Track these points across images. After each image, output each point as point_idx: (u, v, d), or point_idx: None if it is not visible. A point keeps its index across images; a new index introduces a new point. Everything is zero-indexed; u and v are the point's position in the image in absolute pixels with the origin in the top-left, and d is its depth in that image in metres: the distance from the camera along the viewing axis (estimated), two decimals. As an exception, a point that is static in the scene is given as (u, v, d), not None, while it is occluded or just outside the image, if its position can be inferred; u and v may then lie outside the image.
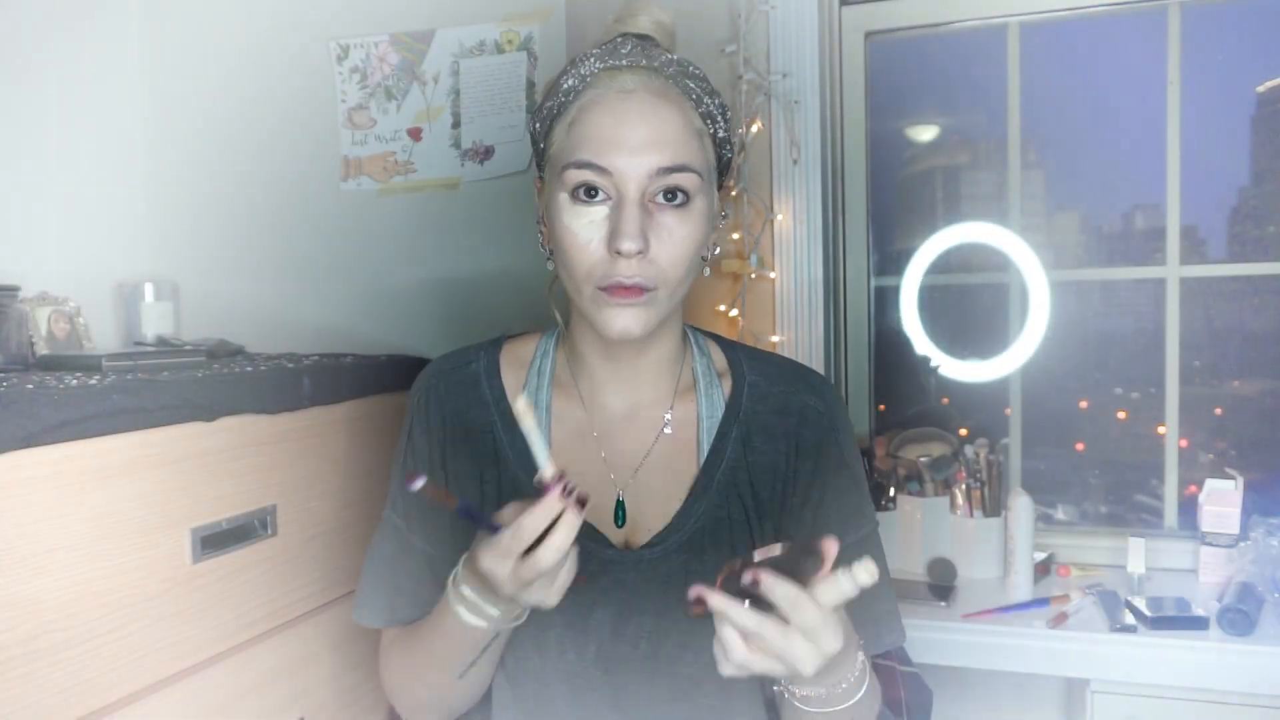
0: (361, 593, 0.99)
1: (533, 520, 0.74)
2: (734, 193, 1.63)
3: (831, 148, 1.84)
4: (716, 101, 0.90)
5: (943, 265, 1.98)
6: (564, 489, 0.75)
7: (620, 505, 0.94)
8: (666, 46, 0.94)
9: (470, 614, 0.82)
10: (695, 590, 0.70)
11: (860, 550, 0.94)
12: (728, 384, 0.98)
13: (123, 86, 1.61)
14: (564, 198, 0.85)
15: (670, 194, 0.84)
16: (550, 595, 0.78)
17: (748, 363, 1.00)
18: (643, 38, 0.92)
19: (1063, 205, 2.00)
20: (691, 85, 0.88)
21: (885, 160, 2.00)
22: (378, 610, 0.98)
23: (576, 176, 0.84)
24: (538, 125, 0.92)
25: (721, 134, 0.91)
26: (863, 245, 1.94)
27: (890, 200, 2.04)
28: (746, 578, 0.70)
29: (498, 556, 0.75)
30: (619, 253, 0.82)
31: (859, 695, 0.81)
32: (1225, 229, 1.90)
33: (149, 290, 1.51)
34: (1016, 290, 1.93)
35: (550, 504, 0.74)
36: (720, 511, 0.93)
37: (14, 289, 1.25)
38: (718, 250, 0.95)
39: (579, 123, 0.86)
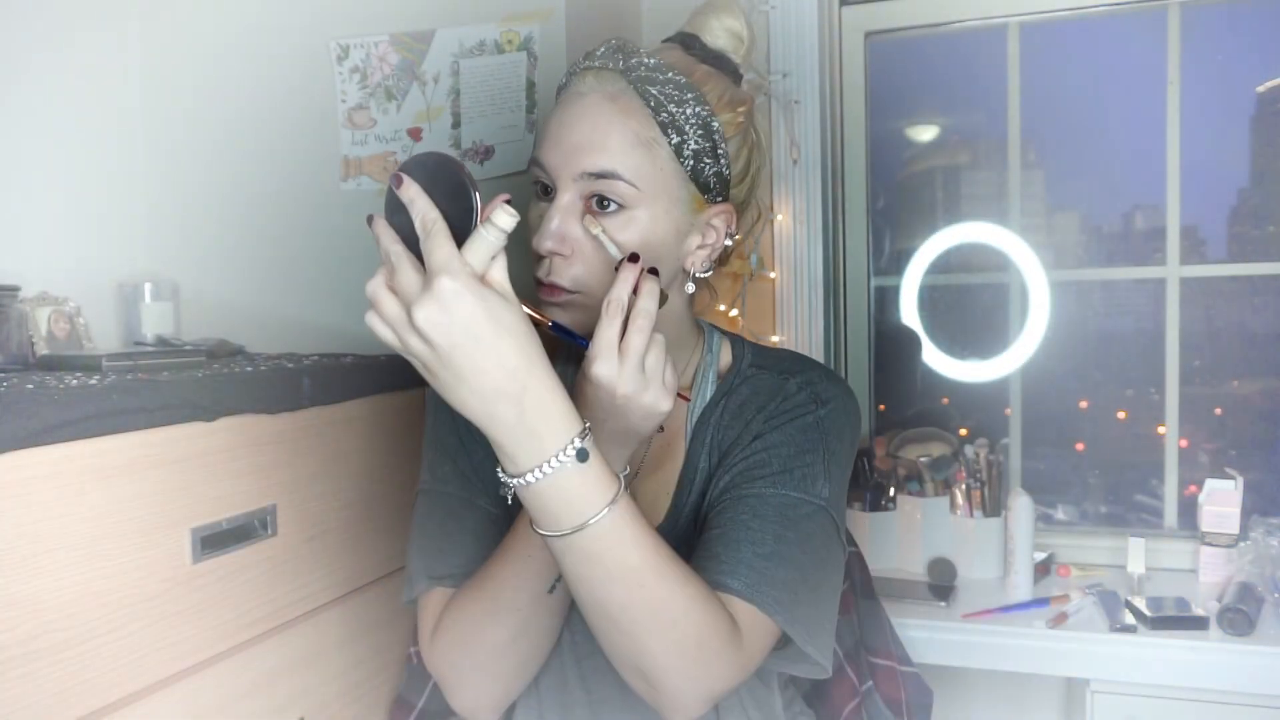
0: (411, 568, 0.95)
1: (619, 290, 0.76)
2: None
3: (831, 148, 1.84)
4: (691, 111, 0.85)
5: (943, 265, 1.98)
6: (630, 258, 0.78)
7: None
8: (725, 49, 0.92)
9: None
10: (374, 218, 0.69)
11: (787, 509, 0.84)
12: (723, 378, 0.98)
13: (122, 86, 1.61)
14: (534, 189, 0.89)
15: (602, 200, 0.84)
16: (664, 395, 0.77)
17: (751, 356, 0.99)
18: (690, 38, 0.92)
19: (1063, 205, 2.00)
20: (654, 91, 0.84)
21: (885, 160, 2.00)
22: (436, 572, 0.93)
23: (532, 173, 0.88)
24: None
25: (694, 146, 0.86)
26: (863, 245, 1.94)
27: (890, 200, 2.04)
28: (393, 180, 0.67)
29: (603, 356, 0.75)
30: (536, 251, 0.85)
31: (598, 516, 0.70)
32: (1225, 229, 1.90)
33: (149, 290, 1.51)
34: (1016, 290, 1.93)
35: (629, 271, 0.77)
36: (703, 500, 0.93)
37: (14, 289, 1.25)
38: (709, 271, 0.92)
39: (548, 119, 0.89)
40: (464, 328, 0.64)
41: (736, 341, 1.01)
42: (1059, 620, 1.52)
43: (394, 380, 1.36)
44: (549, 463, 0.68)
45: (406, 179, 0.67)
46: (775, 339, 1.74)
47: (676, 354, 0.96)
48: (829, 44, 1.81)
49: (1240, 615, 1.44)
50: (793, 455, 0.88)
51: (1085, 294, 1.96)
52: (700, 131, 0.86)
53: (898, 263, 2.00)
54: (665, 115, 0.85)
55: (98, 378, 0.99)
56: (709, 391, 0.96)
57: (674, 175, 0.86)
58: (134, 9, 1.62)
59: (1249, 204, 1.88)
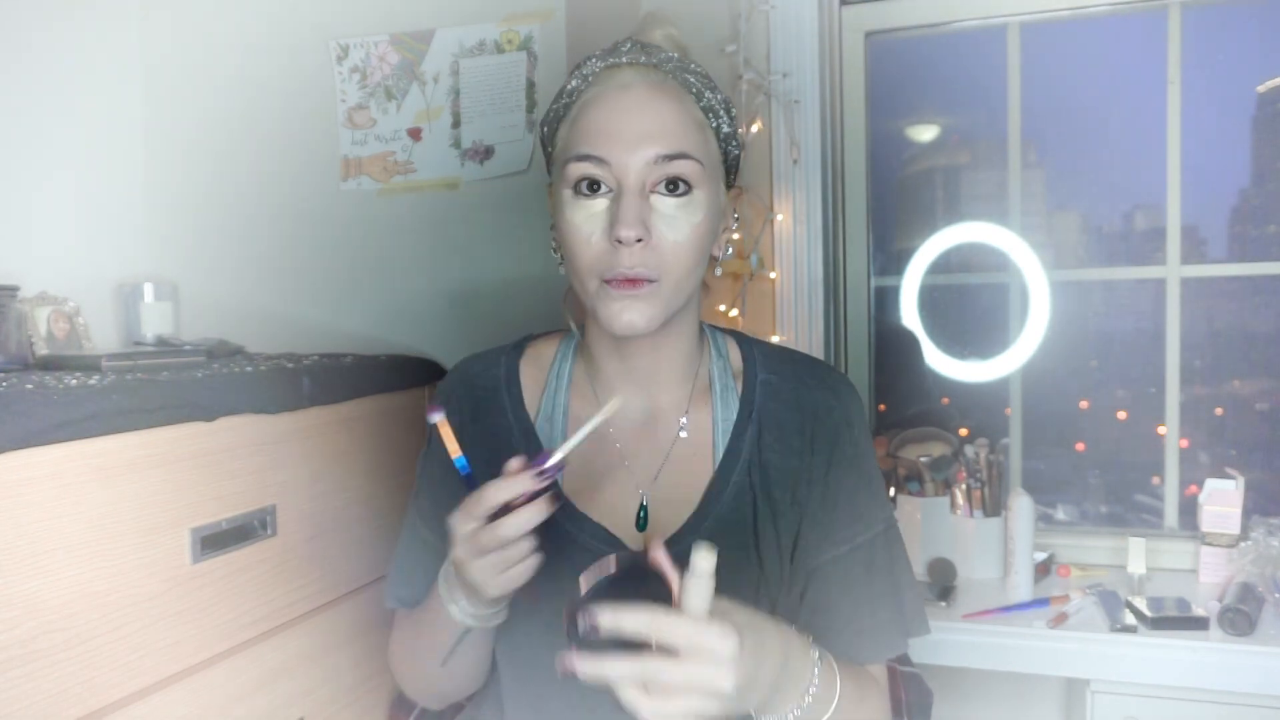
0: (388, 579, 1.02)
1: (497, 490, 0.76)
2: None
3: (831, 148, 1.84)
4: (719, 97, 0.90)
5: (943, 265, 1.98)
6: (540, 472, 0.76)
7: (643, 509, 0.94)
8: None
9: (448, 602, 0.85)
10: (562, 663, 0.68)
11: (868, 551, 0.93)
12: (742, 384, 0.97)
13: (122, 86, 1.61)
14: (567, 193, 0.86)
15: (671, 183, 0.84)
16: (496, 580, 0.79)
17: (762, 360, 0.99)
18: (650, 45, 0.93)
19: (1063, 205, 2.00)
20: (691, 80, 0.89)
21: (885, 160, 2.00)
22: (395, 593, 1.01)
23: (577, 170, 0.85)
24: (545, 129, 0.93)
25: (726, 129, 0.91)
26: (863, 245, 1.94)
27: (890, 200, 2.04)
28: (582, 624, 0.66)
29: (463, 514, 0.78)
30: (619, 241, 0.82)
31: (834, 703, 0.81)
32: (1225, 229, 1.90)
33: (149, 290, 1.51)
34: (1016, 290, 1.93)
35: (520, 480, 0.76)
36: (735, 514, 0.92)
37: (14, 289, 1.25)
38: (730, 251, 0.95)
39: (579, 119, 0.87)
40: (752, 655, 0.70)
41: (742, 341, 1.01)
42: (1059, 620, 1.52)
43: (394, 380, 1.36)
44: (806, 684, 0.78)
45: (601, 618, 0.67)
46: (775, 339, 1.74)
47: (691, 359, 0.97)
48: (829, 44, 1.81)
49: (1240, 615, 1.44)
50: (857, 494, 0.94)
51: (1085, 294, 1.96)
52: (727, 116, 0.91)
53: (898, 263, 2.00)
54: (705, 101, 0.89)
55: (98, 378, 0.99)
56: (733, 400, 0.96)
57: (718, 157, 0.91)
58: (133, 9, 1.62)
59: (1249, 204, 1.88)
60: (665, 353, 0.94)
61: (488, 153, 1.50)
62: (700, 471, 0.95)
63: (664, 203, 0.84)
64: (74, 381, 0.95)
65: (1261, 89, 1.84)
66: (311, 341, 1.56)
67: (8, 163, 1.43)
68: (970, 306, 2.01)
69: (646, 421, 0.96)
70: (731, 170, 0.94)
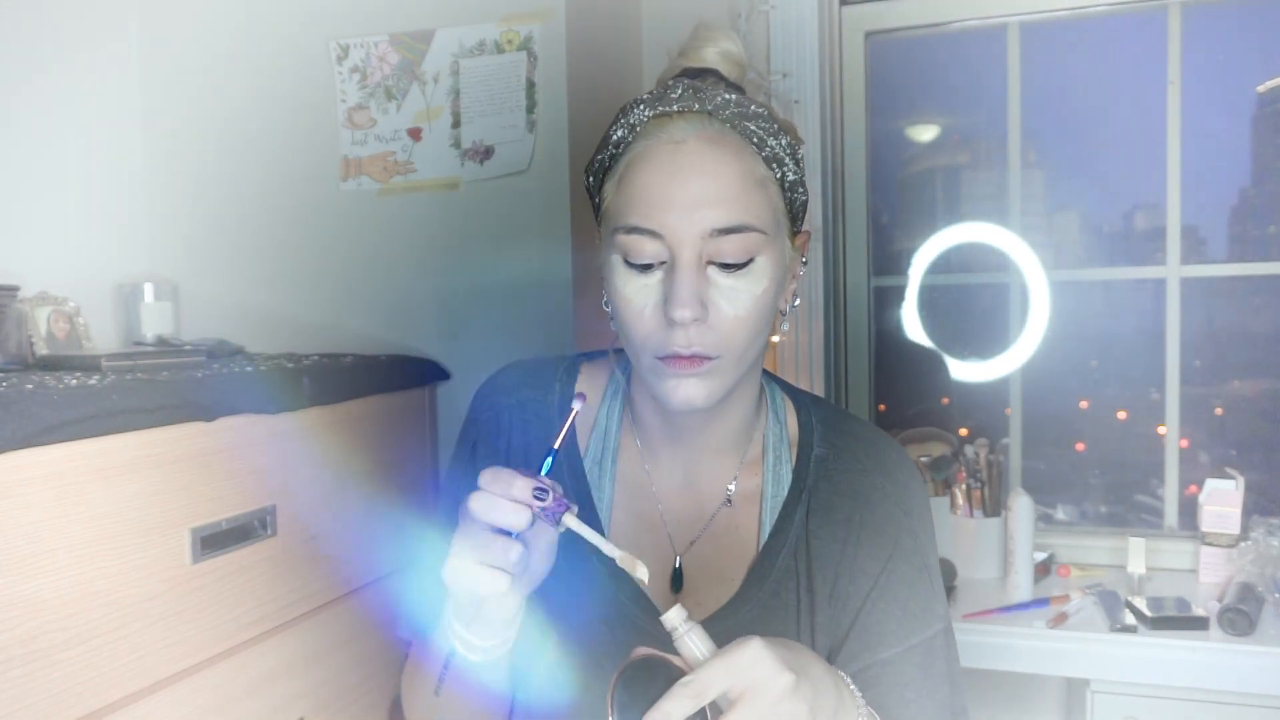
0: (405, 608, 0.96)
1: (489, 497, 0.69)
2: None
3: (831, 148, 1.84)
4: (783, 142, 0.81)
5: (943, 265, 1.98)
6: (544, 505, 0.70)
7: (678, 572, 0.89)
8: (735, 79, 0.87)
9: (448, 617, 0.79)
10: None
11: (925, 654, 0.86)
12: (796, 456, 0.91)
13: (122, 86, 1.61)
14: (617, 259, 0.79)
15: (729, 255, 0.77)
16: (462, 564, 0.71)
17: (820, 431, 0.92)
18: (704, 73, 0.85)
19: (1063, 205, 2.00)
20: (753, 127, 0.80)
21: (885, 160, 2.00)
22: (411, 629, 0.94)
23: (627, 243, 0.78)
24: (590, 179, 0.86)
25: (792, 177, 0.82)
26: (863, 245, 1.94)
27: (890, 200, 2.04)
28: None
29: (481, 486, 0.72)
30: (673, 321, 0.76)
31: None
32: (1225, 229, 1.90)
33: (149, 290, 1.51)
34: (1016, 290, 1.93)
35: (517, 485, 0.70)
36: (778, 600, 0.87)
37: (14, 289, 1.25)
38: (798, 301, 0.88)
39: (627, 180, 0.80)
40: (786, 649, 0.68)
41: (800, 404, 0.94)
42: (1059, 620, 1.52)
43: (394, 380, 1.36)
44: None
45: None
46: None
47: (745, 427, 0.90)
48: (829, 44, 1.81)
49: (1240, 615, 1.44)
50: (910, 596, 0.86)
51: (1085, 294, 1.96)
52: (793, 163, 0.82)
53: (898, 263, 2.01)
54: (768, 150, 0.80)
55: (97, 378, 0.98)
56: (785, 475, 0.90)
57: (782, 212, 0.82)
58: (133, 9, 1.62)
59: (1249, 204, 1.89)
60: (717, 424, 0.88)
61: (488, 153, 1.50)
62: (743, 546, 0.89)
63: (722, 276, 0.77)
64: (74, 381, 0.95)
65: (1261, 89, 1.84)
66: (311, 341, 1.56)
67: (7, 163, 1.42)
68: (970, 306, 2.01)
69: (689, 482, 0.91)
70: (798, 217, 0.85)
